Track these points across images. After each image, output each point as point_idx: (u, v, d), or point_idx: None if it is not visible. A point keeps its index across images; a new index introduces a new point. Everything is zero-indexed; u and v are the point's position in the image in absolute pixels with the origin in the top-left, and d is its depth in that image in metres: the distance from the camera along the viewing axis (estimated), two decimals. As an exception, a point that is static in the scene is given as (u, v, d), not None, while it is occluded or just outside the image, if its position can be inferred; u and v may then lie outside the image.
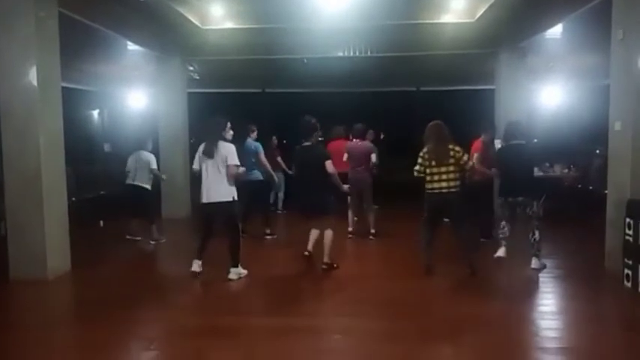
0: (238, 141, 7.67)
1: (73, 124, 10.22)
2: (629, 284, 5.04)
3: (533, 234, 5.73)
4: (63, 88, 5.92)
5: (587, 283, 5.40)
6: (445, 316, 4.53)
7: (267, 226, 7.74)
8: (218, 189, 5.40)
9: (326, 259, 5.81)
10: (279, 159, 9.71)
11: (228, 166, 5.37)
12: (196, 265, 5.59)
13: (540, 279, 5.65)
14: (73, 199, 7.74)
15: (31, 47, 5.38)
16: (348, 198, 7.65)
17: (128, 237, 7.47)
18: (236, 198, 5.50)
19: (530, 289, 5.37)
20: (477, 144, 6.91)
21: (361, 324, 4.28)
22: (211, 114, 5.94)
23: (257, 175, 7.44)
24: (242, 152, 7.25)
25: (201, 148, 5.52)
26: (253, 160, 7.35)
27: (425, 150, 5.60)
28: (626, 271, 5.08)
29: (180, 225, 8.80)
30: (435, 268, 5.62)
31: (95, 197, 9.26)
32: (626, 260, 5.11)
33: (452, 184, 5.48)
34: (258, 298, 5.12)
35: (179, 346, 3.92)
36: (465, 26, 8.68)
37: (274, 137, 10.17)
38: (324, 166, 5.71)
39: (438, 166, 5.48)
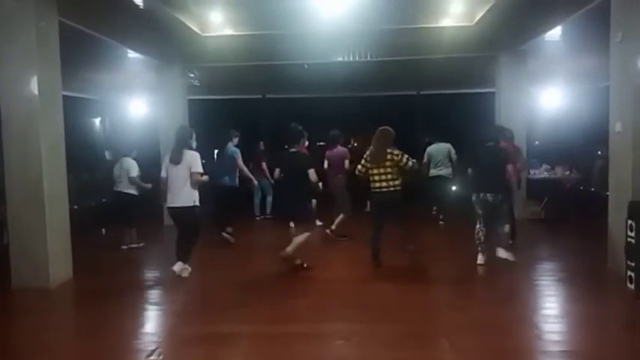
0: (242, 147, 7.74)
1: (75, 133, 10.27)
2: (632, 286, 5.02)
3: (503, 227, 6.08)
4: (65, 96, 5.95)
5: (589, 285, 5.38)
6: (447, 320, 4.52)
7: (223, 230, 7.66)
8: (180, 195, 5.66)
9: (289, 250, 5.82)
10: (263, 165, 9.58)
11: (191, 174, 5.62)
12: (177, 267, 5.74)
13: (542, 282, 5.64)
14: (75, 206, 7.75)
15: (32, 57, 5.41)
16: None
17: (124, 247, 7.51)
18: (197, 203, 5.72)
19: (532, 292, 5.36)
20: None
21: (363, 329, 4.26)
22: (212, 120, 6.03)
23: (226, 180, 7.42)
24: (222, 158, 7.27)
25: (168, 155, 5.80)
26: (230, 165, 7.38)
27: (367, 153, 6.14)
28: (629, 273, 5.06)
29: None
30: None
31: (97, 205, 9.27)
32: (628, 262, 5.09)
33: (390, 183, 5.98)
34: (256, 304, 5.08)
35: (180, 354, 3.92)
36: (464, 30, 8.70)
37: (261, 143, 10.12)
38: (306, 174, 5.86)
39: (378, 167, 5.99)
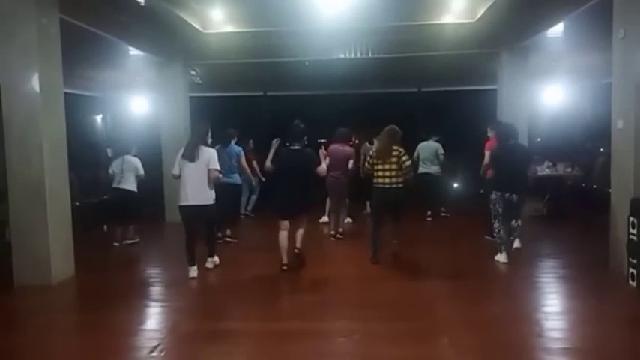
0: (239, 145, 7.73)
1: (77, 130, 10.27)
2: (633, 283, 5.02)
3: (516, 221, 6.10)
4: (66, 94, 5.95)
5: (591, 282, 5.38)
6: (447, 317, 4.52)
7: (231, 229, 7.67)
8: (200, 192, 5.54)
9: (299, 245, 5.99)
10: (254, 163, 9.34)
11: (209, 170, 5.52)
12: (193, 271, 5.71)
13: (544, 278, 5.64)
14: (77, 204, 7.76)
15: (33, 54, 5.41)
16: (327, 201, 8.19)
17: (116, 244, 7.54)
18: (214, 201, 5.69)
19: (533, 289, 5.36)
20: (491, 143, 6.91)
21: (364, 326, 4.26)
22: (213, 118, 6.03)
23: (236, 179, 7.44)
24: (224, 156, 7.24)
25: (181, 152, 5.65)
26: (235, 163, 7.38)
27: (374, 149, 6.31)
28: (631, 270, 5.07)
29: (183, 229, 8.80)
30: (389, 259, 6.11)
31: (99, 202, 9.28)
32: (630, 259, 5.09)
33: (394, 180, 6.05)
34: (257, 301, 5.09)
35: (182, 351, 3.93)
36: (466, 27, 8.68)
37: (251, 141, 10.05)
38: (312, 170, 5.87)
39: (383, 164, 6.06)
